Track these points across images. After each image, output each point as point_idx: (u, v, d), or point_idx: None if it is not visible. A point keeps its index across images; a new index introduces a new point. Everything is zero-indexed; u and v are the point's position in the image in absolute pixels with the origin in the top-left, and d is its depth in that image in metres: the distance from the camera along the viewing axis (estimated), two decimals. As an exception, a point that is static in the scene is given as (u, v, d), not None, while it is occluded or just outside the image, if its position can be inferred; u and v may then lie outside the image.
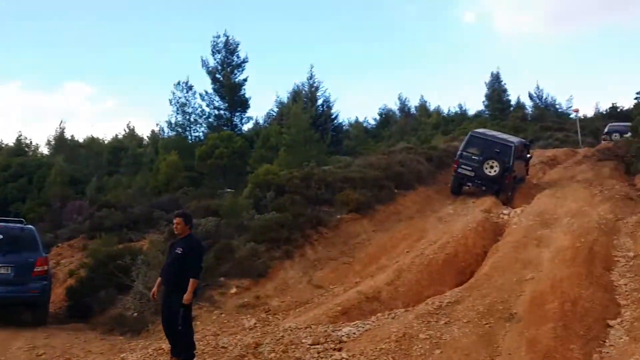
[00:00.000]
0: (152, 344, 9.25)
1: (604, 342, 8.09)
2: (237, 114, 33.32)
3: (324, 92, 33.13)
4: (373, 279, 11.88)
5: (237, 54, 33.46)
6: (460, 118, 56.91)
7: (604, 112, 52.82)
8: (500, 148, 18.93)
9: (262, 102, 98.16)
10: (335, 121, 32.58)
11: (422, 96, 79.58)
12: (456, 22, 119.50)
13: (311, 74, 32.88)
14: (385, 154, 21.26)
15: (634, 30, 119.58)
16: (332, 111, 32.59)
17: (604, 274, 10.65)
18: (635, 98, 22.97)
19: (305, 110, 27.28)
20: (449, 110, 61.07)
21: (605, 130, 35.58)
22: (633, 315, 8.86)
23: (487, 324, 8.80)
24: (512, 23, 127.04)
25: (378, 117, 61.53)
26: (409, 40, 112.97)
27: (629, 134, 30.54)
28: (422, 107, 63.25)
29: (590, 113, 55.49)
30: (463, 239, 13.58)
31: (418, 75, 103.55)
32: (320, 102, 32.82)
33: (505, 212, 16.81)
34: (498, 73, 57.93)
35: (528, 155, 21.81)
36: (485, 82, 57.67)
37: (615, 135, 32.56)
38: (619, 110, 49.46)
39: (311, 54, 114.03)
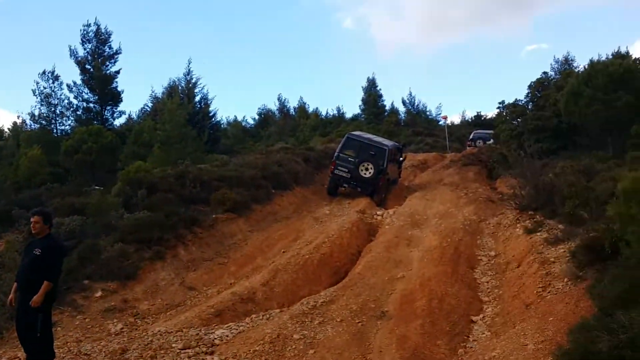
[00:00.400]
0: (6, 352, 8.44)
1: (468, 337, 8.48)
2: (108, 107, 31.59)
3: (202, 88, 32.32)
4: (248, 280, 11.69)
5: (109, 44, 31.71)
6: (338, 120, 57.98)
7: (470, 120, 56.39)
8: (375, 151, 19.46)
9: (137, 96, 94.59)
10: (214, 119, 31.92)
11: (301, 97, 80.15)
12: (336, 27, 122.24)
13: (189, 69, 31.95)
14: (263, 154, 21.13)
15: (498, 41, 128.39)
16: (210, 108, 31.85)
17: (468, 272, 11.20)
18: (497, 107, 24.54)
19: (182, 106, 26.42)
20: (327, 113, 62.07)
21: (470, 137, 37.70)
22: (494, 311, 9.38)
23: (360, 322, 8.91)
24: (387, 30, 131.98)
25: (257, 117, 61.29)
26: (290, 43, 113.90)
27: (492, 141, 32.65)
28: (301, 108, 63.70)
29: (457, 120, 58.82)
30: (338, 239, 13.76)
31: (298, 77, 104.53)
32: (197, 98, 31.99)
33: (378, 213, 17.28)
34: (374, 78, 59.86)
35: (401, 159, 22.63)
36: (362, 87, 59.25)
37: (479, 142, 34.48)
38: (482, 118, 53.10)
39: (191, 51, 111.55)
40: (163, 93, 32.57)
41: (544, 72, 22.28)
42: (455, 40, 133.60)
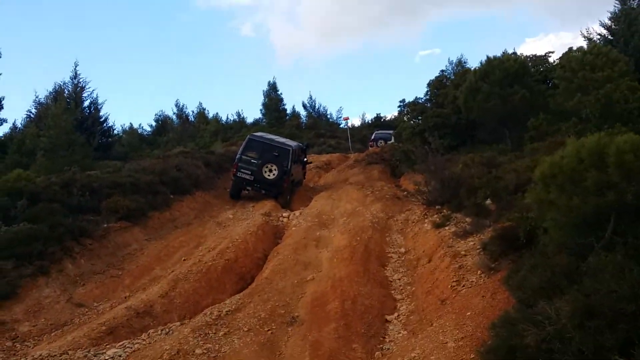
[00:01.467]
0: None
1: (384, 338, 8.03)
2: (-13, 115, 28.99)
3: (91, 92, 30.31)
4: (145, 292, 10.70)
5: (-16, 48, 29.10)
6: (239, 125, 56.93)
7: (370, 122, 57.35)
8: (278, 151, 18.84)
9: (22, 102, 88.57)
10: (105, 124, 30.03)
11: (200, 103, 78.24)
12: (235, 34, 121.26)
13: (75, 72, 29.88)
14: (161, 158, 19.97)
15: (394, 47, 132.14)
16: (101, 113, 29.94)
17: (379, 271, 10.81)
18: (398, 106, 24.68)
19: (69, 111, 24.59)
20: (227, 118, 60.79)
21: (372, 137, 38.25)
22: (408, 308, 9.00)
23: (269, 330, 8.26)
24: (286, 37, 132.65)
25: (154, 124, 58.89)
26: (187, 50, 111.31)
27: (393, 140, 33.15)
28: (201, 114, 61.94)
29: (357, 123, 59.51)
30: (243, 244, 13.03)
31: (196, 84, 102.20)
32: (87, 103, 30.04)
33: (284, 215, 16.69)
34: (275, 82, 59.22)
35: (305, 159, 22.15)
36: (263, 91, 58.55)
37: (381, 142, 34.93)
38: (382, 119, 54.41)
39: (80, 55, 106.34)
40: (47, 97, 30.34)
41: (442, 70, 22.63)
42: (353, 46, 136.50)
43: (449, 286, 8.50)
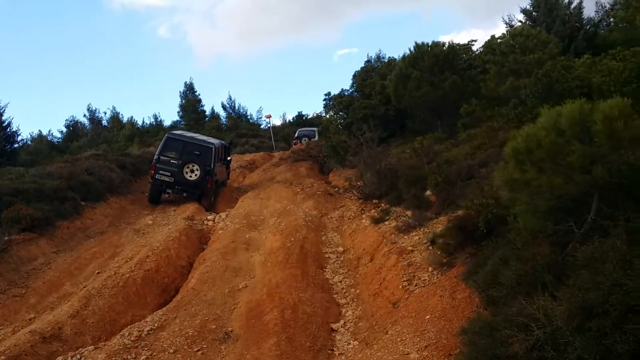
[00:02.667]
0: None
1: (333, 351, 7.09)
2: None
3: (-9, 97, 27.80)
4: (53, 312, 9.28)
5: None
6: (156, 129, 54.70)
7: (292, 120, 56.59)
8: (200, 150, 17.52)
9: None
10: (9, 129, 27.60)
11: (114, 107, 74.61)
12: (150, 35, 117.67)
13: (-27, 74, 27.25)
14: (68, 162, 18.20)
15: (312, 47, 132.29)
16: (4, 118, 27.46)
17: (319, 273, 9.88)
18: (324, 100, 23.88)
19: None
20: (143, 122, 58.23)
21: (296, 135, 37.46)
22: (355, 314, 8.10)
23: (199, 350, 7.16)
24: (204, 39, 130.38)
25: (65, 130, 55.52)
26: (98, 51, 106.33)
27: (317, 137, 32.55)
28: (115, 118, 59.06)
29: (278, 122, 58.54)
30: (165, 251, 11.78)
31: (109, 87, 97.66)
32: (-15, 108, 27.51)
33: (209, 217, 15.49)
34: (192, 83, 57.18)
35: (229, 158, 20.92)
36: (179, 92, 56.51)
37: (305, 139, 34.27)
38: (304, 118, 53.83)
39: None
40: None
41: (367, 61, 21.95)
42: (272, 47, 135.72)
43: (400, 286, 7.66)
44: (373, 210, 12.19)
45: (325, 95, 23.93)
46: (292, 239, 11.43)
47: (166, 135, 18.61)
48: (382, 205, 12.17)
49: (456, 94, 16.10)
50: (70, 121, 56.60)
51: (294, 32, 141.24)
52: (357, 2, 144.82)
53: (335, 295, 8.93)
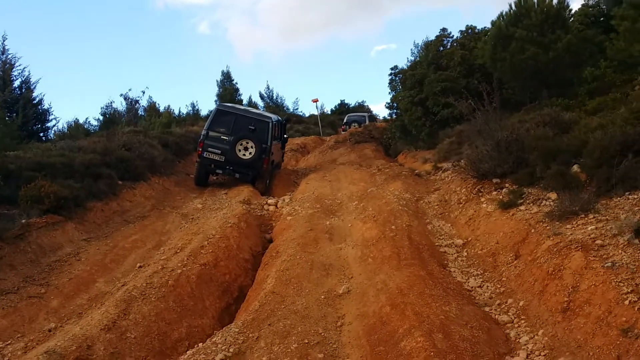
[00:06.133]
0: None
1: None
2: None
3: (22, 71, 25.58)
4: (80, 322, 6.69)
5: None
6: (193, 118, 52.88)
7: (334, 109, 54.34)
8: (255, 125, 14.81)
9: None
10: (40, 107, 25.43)
11: (150, 97, 72.95)
12: (191, 32, 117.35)
13: (3, 47, 25.07)
14: (104, 136, 15.68)
15: (351, 43, 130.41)
16: (34, 95, 25.27)
17: (445, 274, 7.07)
18: (389, 74, 20.97)
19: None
20: (179, 111, 56.32)
21: (345, 120, 35.35)
22: (538, 341, 5.24)
23: (309, 400, 4.42)
24: (245, 36, 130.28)
25: (101, 118, 53.71)
26: (140, 45, 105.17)
27: (367, 122, 30.25)
28: (152, 106, 57.18)
29: (316, 112, 56.74)
30: (223, 241, 9.17)
31: (147, 77, 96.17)
32: (17, 83, 25.36)
33: (270, 202, 12.85)
34: (229, 72, 54.89)
35: (285, 136, 18.20)
36: (217, 80, 54.31)
37: (354, 125, 31.97)
38: (347, 107, 51.84)
39: (21, 43, 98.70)
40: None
41: (443, 29, 19.02)
42: (309, 43, 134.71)
43: (623, 301, 4.79)
44: (494, 192, 9.33)
45: (391, 69, 21.04)
46: (393, 227, 8.64)
47: (216, 107, 15.96)
48: (507, 185, 9.29)
49: (571, 57, 13.09)
50: (107, 108, 54.81)
51: (334, 27, 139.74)
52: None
53: (487, 309, 6.11)
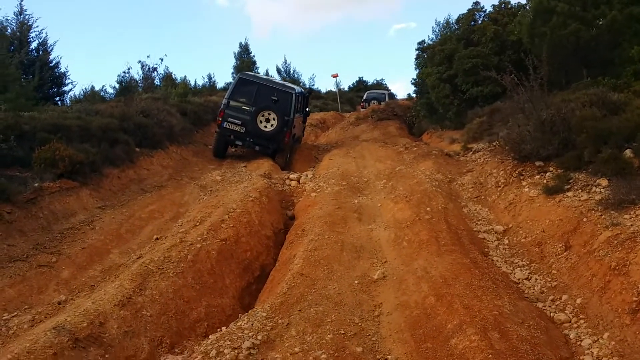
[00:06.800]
0: None
1: None
2: None
3: (39, 32, 25.05)
4: (92, 296, 6.19)
5: None
6: (209, 90, 52.29)
7: (353, 85, 53.52)
8: (278, 96, 14.21)
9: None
10: (56, 70, 24.97)
11: (167, 67, 72.24)
12: (209, 3, 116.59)
13: (21, 7, 24.50)
14: (121, 102, 15.17)
15: (366, 20, 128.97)
16: (51, 57, 24.79)
17: (491, 264, 6.48)
18: (416, 49, 20.20)
19: (13, 53, 19.43)
20: (196, 82, 55.65)
21: (364, 97, 34.69)
22: (605, 346, 4.65)
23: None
24: (263, 9, 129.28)
25: (117, 86, 53.22)
26: (157, 15, 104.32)
27: (387, 99, 29.57)
28: (168, 76, 56.52)
29: (334, 89, 56.07)
30: (244, 215, 8.64)
31: (164, 48, 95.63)
32: (34, 45, 24.89)
33: (292, 177, 12.30)
34: (247, 44, 53.88)
35: (307, 109, 17.57)
36: (234, 53, 53.46)
37: (374, 102, 31.28)
38: (365, 83, 51.09)
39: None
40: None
41: (476, 2, 18.19)
42: (330, 19, 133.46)
43: None
44: (537, 176, 8.69)
45: (419, 44, 20.24)
46: (428, 209, 8.05)
47: (238, 75, 15.35)
48: (552, 169, 8.65)
49: (613, 35, 12.31)
50: (123, 77, 54.24)
51: (352, 4, 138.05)
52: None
53: (540, 305, 5.53)
